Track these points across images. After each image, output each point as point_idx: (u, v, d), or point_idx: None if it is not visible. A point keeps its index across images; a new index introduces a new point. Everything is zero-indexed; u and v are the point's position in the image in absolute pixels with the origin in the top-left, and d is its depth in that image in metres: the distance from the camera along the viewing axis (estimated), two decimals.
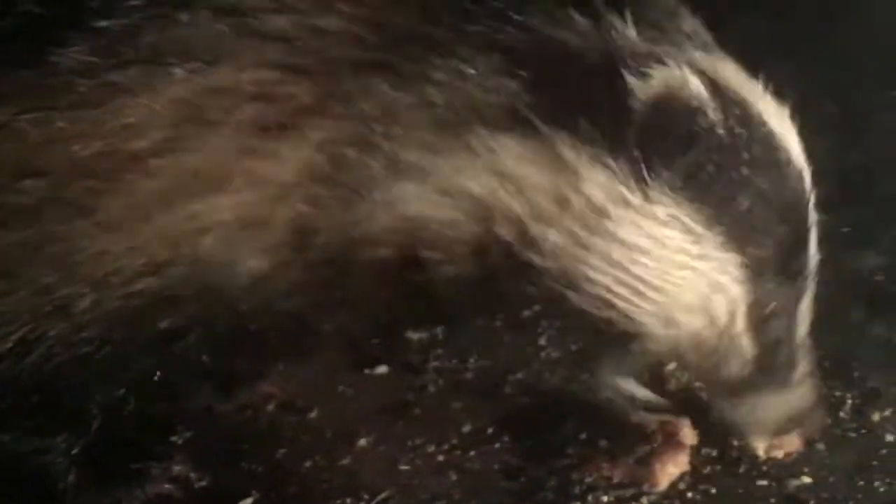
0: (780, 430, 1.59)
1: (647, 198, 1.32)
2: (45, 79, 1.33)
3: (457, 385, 1.95)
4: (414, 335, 2.15)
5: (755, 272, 1.38)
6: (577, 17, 1.35)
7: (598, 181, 1.32)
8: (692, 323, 1.40)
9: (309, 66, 1.38)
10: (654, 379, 1.97)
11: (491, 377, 1.98)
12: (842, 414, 1.85)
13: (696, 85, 1.28)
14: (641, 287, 1.36)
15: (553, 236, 1.35)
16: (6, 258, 1.37)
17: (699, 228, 1.33)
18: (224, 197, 1.36)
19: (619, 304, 1.38)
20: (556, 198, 1.35)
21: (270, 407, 1.83)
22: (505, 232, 1.38)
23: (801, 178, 1.39)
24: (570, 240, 1.35)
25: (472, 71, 1.35)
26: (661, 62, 1.27)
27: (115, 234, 1.36)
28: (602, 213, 1.33)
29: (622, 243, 1.34)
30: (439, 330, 2.17)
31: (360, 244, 1.43)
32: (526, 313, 2.25)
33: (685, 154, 1.30)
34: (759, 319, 1.42)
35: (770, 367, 1.47)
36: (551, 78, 1.33)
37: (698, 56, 1.36)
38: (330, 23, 1.39)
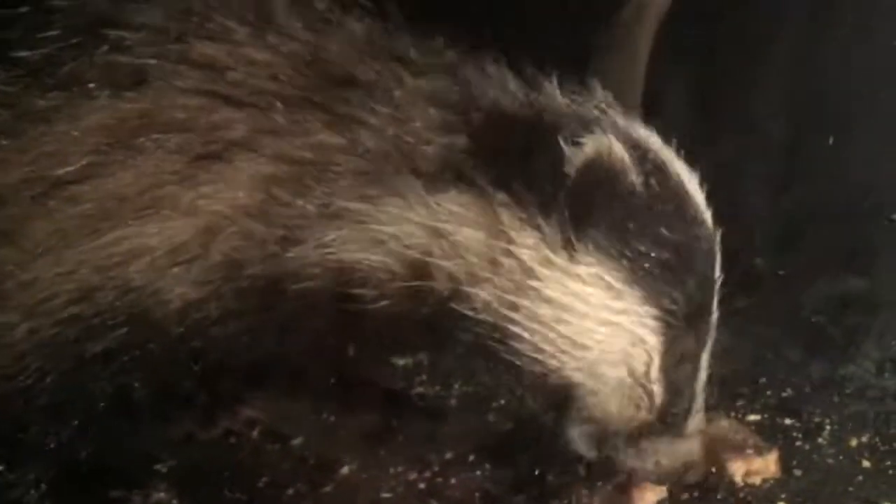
0: (665, 478, 1.61)
1: (572, 258, 1.38)
2: None
3: (441, 411, 1.97)
4: (399, 361, 2.17)
5: (668, 324, 1.44)
6: (512, 83, 1.43)
7: (528, 243, 1.38)
8: (615, 374, 1.45)
9: (240, 98, 1.39)
10: None
11: (475, 403, 2.01)
12: (820, 440, 1.88)
13: (619, 150, 1.34)
14: (567, 344, 1.41)
15: (484, 294, 1.40)
16: None
17: (620, 285, 1.38)
18: (151, 224, 1.38)
19: (547, 359, 1.43)
20: (488, 259, 1.39)
21: (254, 434, 1.84)
22: (438, 285, 1.42)
23: (710, 235, 1.46)
24: (500, 299, 1.40)
25: (410, 121, 1.39)
26: (591, 130, 1.34)
27: (43, 260, 1.36)
28: (530, 274, 1.38)
29: (549, 302, 1.39)
30: (423, 356, 2.20)
31: (291, 277, 1.45)
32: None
33: (608, 215, 1.36)
34: (669, 368, 1.47)
35: (670, 415, 1.52)
36: (489, 138, 1.39)
37: (620, 122, 1.43)
38: (262, 56, 1.40)
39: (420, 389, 2.06)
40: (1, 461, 1.47)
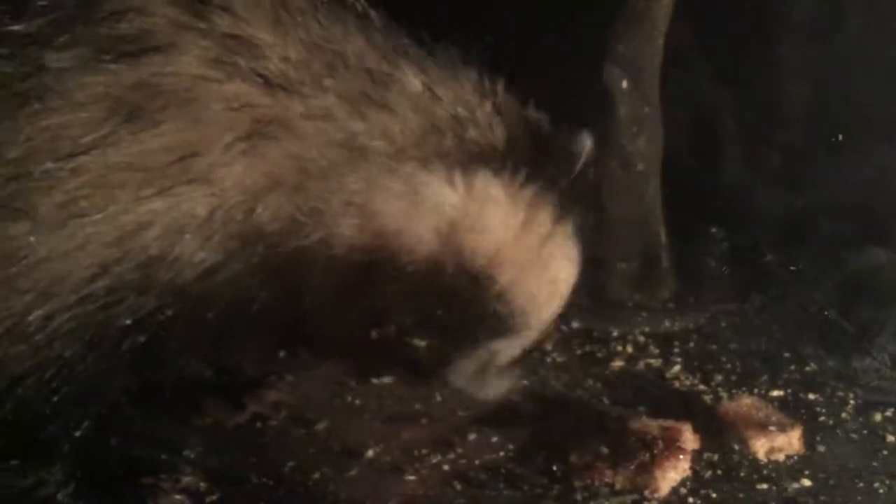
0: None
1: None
2: None
3: (462, 392, 1.98)
4: (420, 342, 2.18)
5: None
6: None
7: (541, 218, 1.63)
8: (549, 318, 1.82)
9: (263, 73, 1.39)
10: (657, 383, 2.01)
11: None
12: (843, 415, 1.87)
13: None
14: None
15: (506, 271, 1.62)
16: None
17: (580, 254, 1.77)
18: (166, 194, 1.35)
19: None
20: (512, 235, 1.60)
21: (279, 419, 1.86)
22: (465, 259, 1.58)
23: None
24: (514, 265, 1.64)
25: (436, 110, 1.54)
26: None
27: (56, 235, 1.33)
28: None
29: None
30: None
31: (320, 246, 1.49)
32: None
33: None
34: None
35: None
36: (507, 130, 1.62)
37: None
38: (282, 38, 1.43)
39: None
40: (27, 459, 1.45)
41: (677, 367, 2.07)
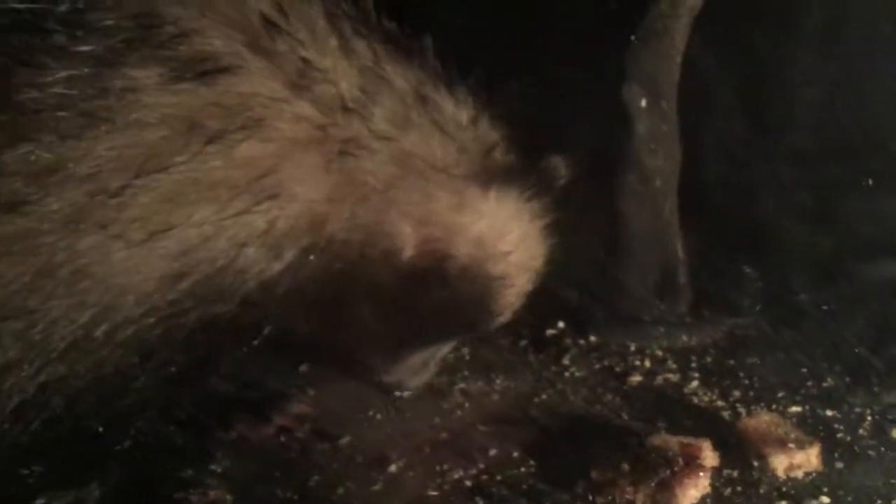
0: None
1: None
2: (23, 117, 1.30)
3: (483, 408, 2.01)
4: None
5: None
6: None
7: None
8: None
9: (319, 94, 1.45)
10: (676, 398, 2.03)
11: (517, 398, 2.05)
12: (861, 432, 1.89)
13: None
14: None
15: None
16: (13, 296, 1.33)
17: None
18: (237, 210, 1.39)
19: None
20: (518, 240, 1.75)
21: (303, 433, 1.89)
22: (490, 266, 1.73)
23: None
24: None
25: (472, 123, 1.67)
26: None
27: (124, 251, 1.35)
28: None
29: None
30: (465, 350, 2.24)
31: (379, 255, 1.57)
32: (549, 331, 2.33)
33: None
34: None
35: None
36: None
37: None
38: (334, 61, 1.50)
39: (462, 385, 2.09)
40: (67, 477, 1.48)
41: (695, 383, 2.09)
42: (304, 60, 1.45)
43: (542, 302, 2.33)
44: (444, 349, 1.98)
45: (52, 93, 1.28)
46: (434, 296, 1.68)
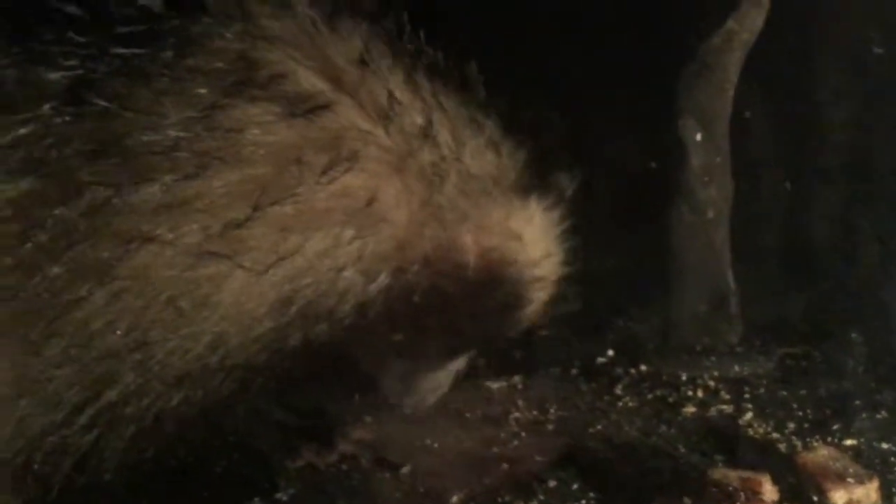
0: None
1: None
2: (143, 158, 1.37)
3: (539, 438, 2.03)
4: (494, 385, 2.24)
5: None
6: None
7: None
8: None
9: (412, 129, 1.55)
10: (731, 430, 2.05)
11: (571, 428, 2.07)
12: None
13: None
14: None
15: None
16: (135, 328, 1.38)
17: None
18: (336, 235, 1.47)
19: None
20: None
21: (366, 462, 1.92)
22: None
23: None
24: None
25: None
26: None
27: (242, 279, 1.41)
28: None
29: None
30: (517, 380, 2.27)
31: (451, 269, 1.64)
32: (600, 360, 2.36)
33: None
34: None
35: None
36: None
37: None
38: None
39: (517, 414, 2.12)
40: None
41: (749, 414, 2.10)
42: (388, 94, 1.53)
43: (592, 330, 2.40)
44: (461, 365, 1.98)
45: (169, 135, 1.35)
46: (494, 301, 1.73)
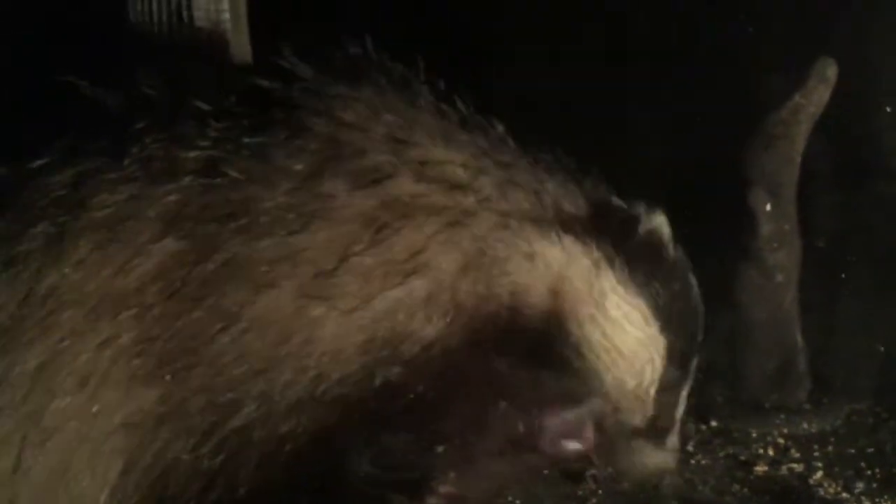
0: (642, 478, 1.97)
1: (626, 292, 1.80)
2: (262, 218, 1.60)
3: (615, 494, 2.12)
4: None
5: (669, 356, 1.81)
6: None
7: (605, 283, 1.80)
8: (631, 382, 1.81)
9: (456, 182, 1.69)
10: (803, 490, 2.12)
11: (645, 486, 2.15)
12: None
13: (668, 229, 1.80)
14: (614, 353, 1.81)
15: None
16: (258, 363, 1.58)
17: (650, 317, 1.80)
18: (403, 283, 1.63)
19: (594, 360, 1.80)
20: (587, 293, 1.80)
21: None
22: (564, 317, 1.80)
23: (699, 302, 1.88)
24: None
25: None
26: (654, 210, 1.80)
27: (341, 318, 1.60)
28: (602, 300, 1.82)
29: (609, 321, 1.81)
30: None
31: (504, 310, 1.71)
32: None
33: (650, 269, 1.80)
34: (660, 390, 1.84)
35: (656, 426, 1.87)
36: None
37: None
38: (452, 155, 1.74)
39: (592, 470, 2.18)
40: None
41: (819, 473, 2.17)
42: (433, 161, 1.70)
43: None
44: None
45: (281, 201, 1.59)
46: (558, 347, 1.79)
